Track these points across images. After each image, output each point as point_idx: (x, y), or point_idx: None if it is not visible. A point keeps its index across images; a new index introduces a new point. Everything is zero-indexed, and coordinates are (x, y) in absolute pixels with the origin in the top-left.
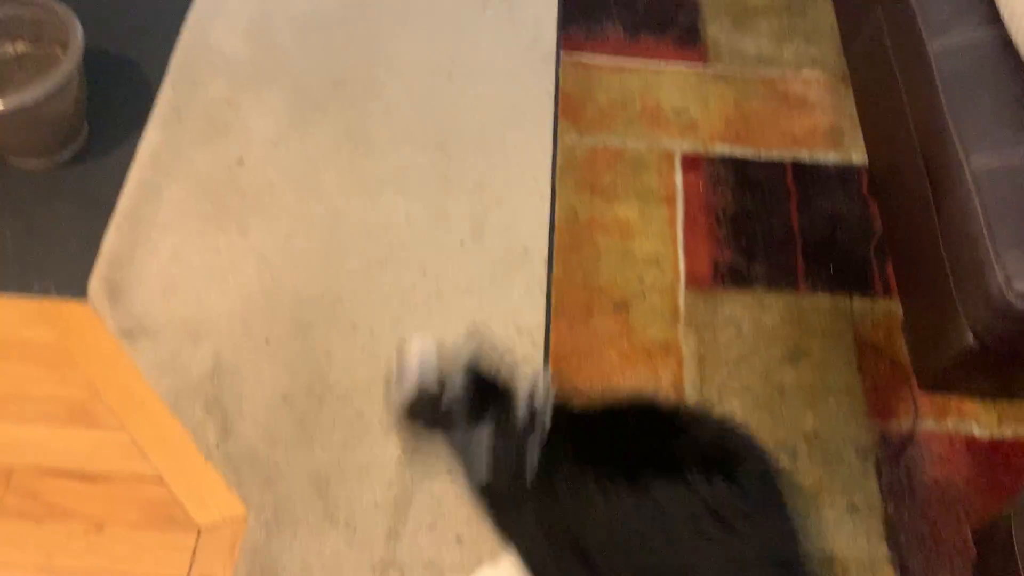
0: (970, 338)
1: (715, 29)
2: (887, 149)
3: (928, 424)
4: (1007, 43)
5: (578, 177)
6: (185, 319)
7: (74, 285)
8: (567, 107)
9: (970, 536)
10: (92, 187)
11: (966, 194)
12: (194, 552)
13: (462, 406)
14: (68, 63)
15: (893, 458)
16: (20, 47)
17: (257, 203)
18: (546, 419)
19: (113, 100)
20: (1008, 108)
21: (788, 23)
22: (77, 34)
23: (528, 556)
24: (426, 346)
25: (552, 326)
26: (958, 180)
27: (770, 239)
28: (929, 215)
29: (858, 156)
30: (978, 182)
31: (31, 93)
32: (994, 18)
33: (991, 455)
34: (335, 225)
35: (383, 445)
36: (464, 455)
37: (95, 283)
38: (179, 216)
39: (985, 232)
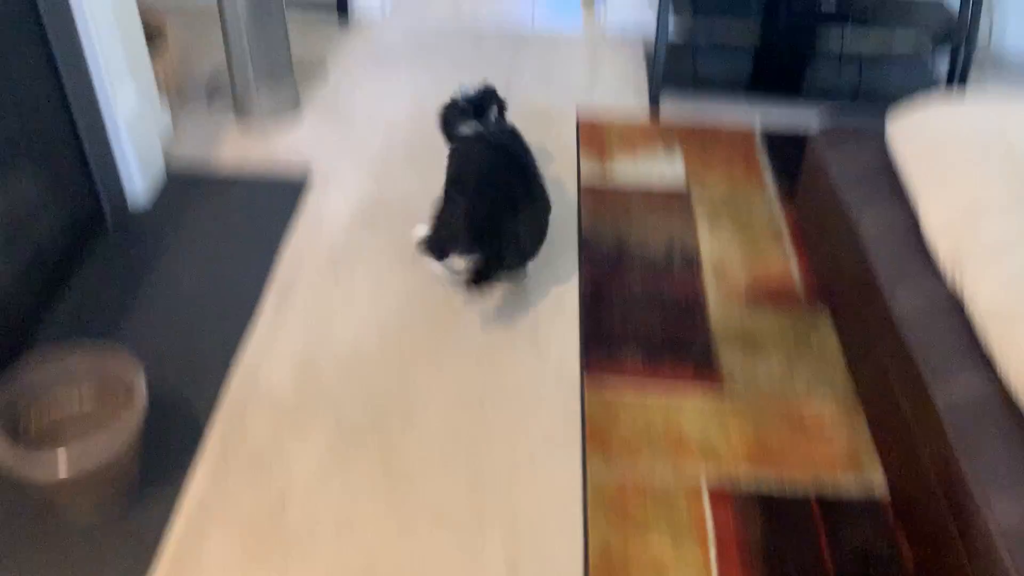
0: None
1: (728, 356)
2: (907, 482)
3: None
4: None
5: (608, 510)
6: None
7: None
8: (593, 436)
9: None
10: (137, 531)
11: (995, 551)
12: None
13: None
14: (131, 423)
15: None
16: (85, 390)
17: (298, 547)
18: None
19: (163, 439)
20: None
21: (796, 350)
22: (142, 390)
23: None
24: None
25: None
26: (983, 533)
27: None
28: (960, 559)
29: (879, 482)
30: (1006, 539)
31: (92, 458)
32: (993, 366)
33: None
34: (372, 566)
35: None
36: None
37: None
38: (221, 562)
39: None
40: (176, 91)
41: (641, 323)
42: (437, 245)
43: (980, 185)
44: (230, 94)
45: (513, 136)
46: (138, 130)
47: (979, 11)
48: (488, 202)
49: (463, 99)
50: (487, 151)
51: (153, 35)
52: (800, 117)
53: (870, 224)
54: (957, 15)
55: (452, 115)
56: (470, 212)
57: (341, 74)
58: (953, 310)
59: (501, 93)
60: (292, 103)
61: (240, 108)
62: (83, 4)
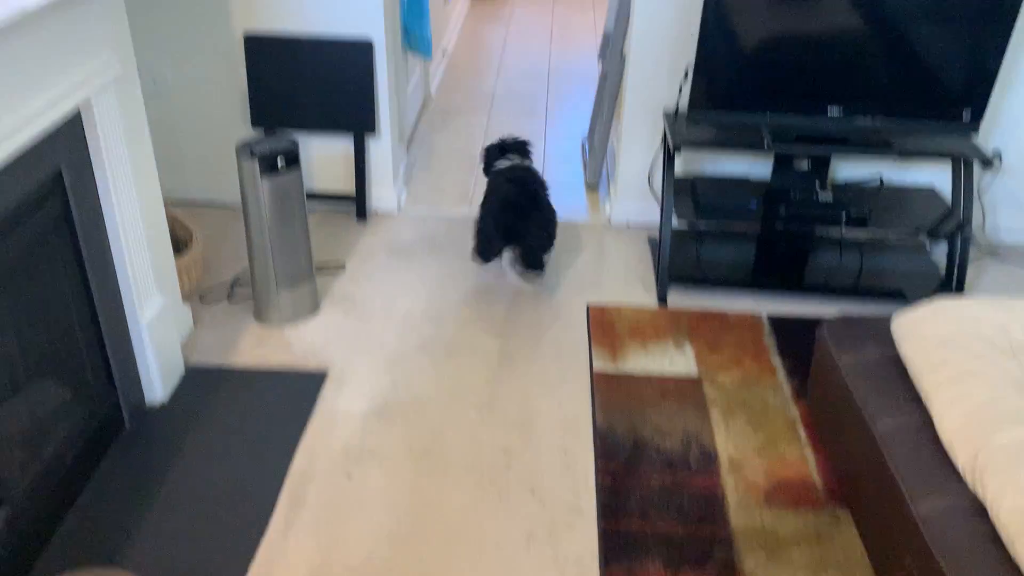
0: None
1: (751, 563)
2: None
3: None
4: None
5: None
6: None
7: None
8: None
9: None
10: None
11: None
12: None
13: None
14: None
15: None
16: None
17: None
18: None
19: None
20: None
21: (820, 553)
22: None
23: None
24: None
25: None
26: None
27: None
28: None
29: None
30: None
31: None
32: None
33: None
34: None
35: None
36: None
37: None
38: None
39: None
40: (198, 290)
41: (660, 524)
42: (482, 248)
43: (991, 389)
44: (251, 294)
45: (529, 171)
46: (159, 331)
47: (971, 202)
48: (506, 213)
49: (501, 142)
50: (508, 182)
51: (181, 244)
52: (806, 303)
53: (884, 423)
54: (950, 205)
55: (493, 152)
56: (494, 219)
57: (357, 268)
58: (976, 515)
59: (510, 282)
60: (311, 307)
61: (260, 313)
62: (117, 228)
